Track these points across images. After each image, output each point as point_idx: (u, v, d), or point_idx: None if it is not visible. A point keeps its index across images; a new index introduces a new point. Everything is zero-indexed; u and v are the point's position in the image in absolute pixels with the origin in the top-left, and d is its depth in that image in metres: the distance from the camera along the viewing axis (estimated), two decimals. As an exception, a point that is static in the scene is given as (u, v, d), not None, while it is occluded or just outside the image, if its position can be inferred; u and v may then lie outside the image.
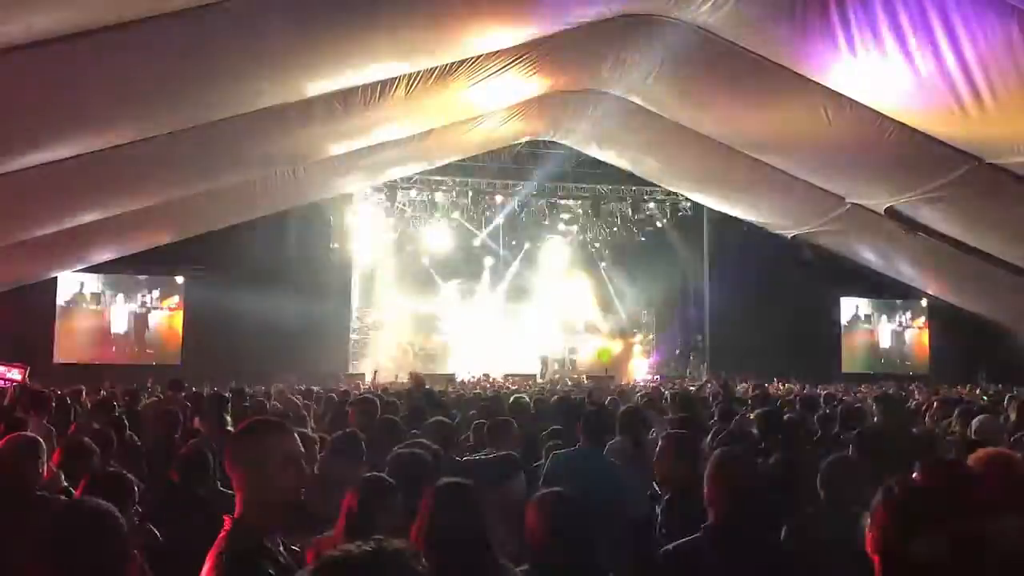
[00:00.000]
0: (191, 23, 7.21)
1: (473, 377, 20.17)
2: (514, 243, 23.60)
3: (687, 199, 20.82)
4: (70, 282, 19.64)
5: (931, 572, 2.29)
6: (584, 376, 21.36)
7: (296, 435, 2.30)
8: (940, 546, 2.27)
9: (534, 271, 24.37)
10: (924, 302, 23.39)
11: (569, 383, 18.23)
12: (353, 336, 22.73)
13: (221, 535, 2.12)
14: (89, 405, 7.89)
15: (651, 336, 24.67)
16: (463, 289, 24.17)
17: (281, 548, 2.20)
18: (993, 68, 8.19)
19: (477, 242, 23.47)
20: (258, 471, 2.17)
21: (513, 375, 20.87)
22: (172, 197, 12.91)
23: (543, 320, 24.43)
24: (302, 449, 2.28)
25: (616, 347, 24.15)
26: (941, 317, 22.01)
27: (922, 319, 24.71)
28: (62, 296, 19.59)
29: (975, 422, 5.44)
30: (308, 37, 8.28)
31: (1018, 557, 2.52)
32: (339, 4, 7.95)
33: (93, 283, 20.02)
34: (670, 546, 2.95)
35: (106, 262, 17.75)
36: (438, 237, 22.74)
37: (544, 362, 23.33)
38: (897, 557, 2.30)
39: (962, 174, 10.83)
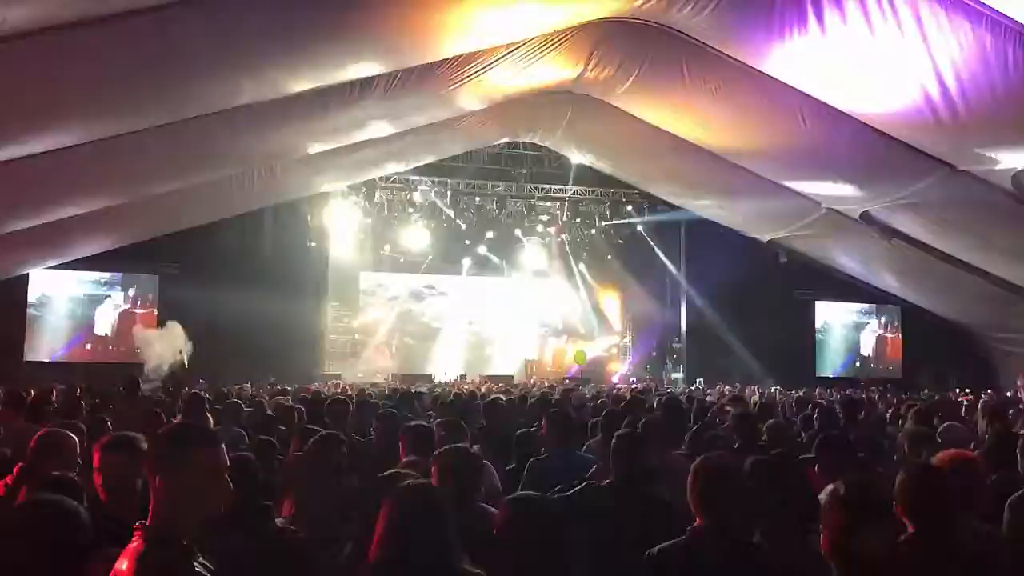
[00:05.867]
0: (169, 19, 7.14)
1: (451, 378, 20.13)
2: (492, 245, 23.52)
3: (664, 202, 20.90)
4: (41, 279, 19.33)
5: (881, 568, 2.34)
6: (561, 378, 21.37)
7: (222, 447, 2.21)
8: (885, 540, 2.33)
9: (512, 273, 24.36)
10: (898, 307, 23.60)
11: (546, 385, 18.23)
12: (330, 336, 22.65)
13: (136, 546, 2.01)
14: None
15: (627, 339, 24.73)
16: (440, 290, 24.12)
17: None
18: (966, 76, 8.32)
19: (455, 243, 23.39)
20: (179, 480, 2.08)
21: (491, 376, 20.84)
22: (147, 194, 12.76)
23: (521, 321, 24.44)
24: (227, 461, 2.19)
25: (592, 349, 24.19)
26: (915, 322, 22.23)
27: (896, 324, 24.94)
28: (33, 293, 19.24)
29: (941, 428, 5.51)
30: (286, 35, 8.23)
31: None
32: (317, 2, 7.91)
33: (65, 280, 19.69)
34: (654, 548, 2.96)
35: (79, 259, 17.48)
36: (415, 237, 22.64)
37: (522, 364, 23.32)
38: (848, 554, 2.35)
39: (934, 180, 10.98)
